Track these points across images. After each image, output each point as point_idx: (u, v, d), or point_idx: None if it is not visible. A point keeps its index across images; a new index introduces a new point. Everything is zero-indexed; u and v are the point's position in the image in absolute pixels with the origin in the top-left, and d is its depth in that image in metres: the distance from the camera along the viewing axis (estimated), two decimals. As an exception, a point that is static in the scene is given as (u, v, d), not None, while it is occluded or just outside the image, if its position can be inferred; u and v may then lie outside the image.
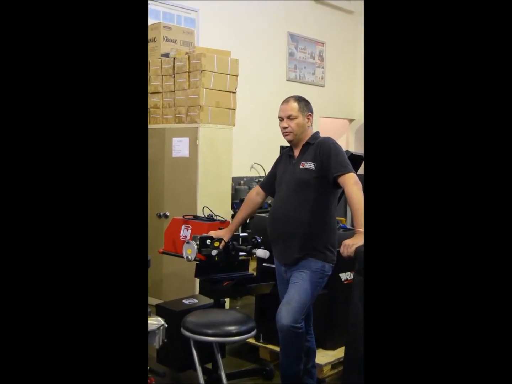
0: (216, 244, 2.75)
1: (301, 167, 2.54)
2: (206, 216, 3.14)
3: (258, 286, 2.99)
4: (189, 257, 2.77)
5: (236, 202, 4.93)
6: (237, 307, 4.34)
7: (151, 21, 4.82)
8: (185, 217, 3.13)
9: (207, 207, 3.18)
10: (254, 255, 2.83)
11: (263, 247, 2.86)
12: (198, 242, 2.74)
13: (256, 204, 2.86)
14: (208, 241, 2.75)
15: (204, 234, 2.83)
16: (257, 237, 2.91)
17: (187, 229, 3.04)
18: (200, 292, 2.89)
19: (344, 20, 7.45)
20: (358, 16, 7.37)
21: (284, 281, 2.63)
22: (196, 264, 2.86)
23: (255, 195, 2.86)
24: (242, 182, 5.56)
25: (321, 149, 2.50)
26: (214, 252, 2.72)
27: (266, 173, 5.85)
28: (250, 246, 2.88)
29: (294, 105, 2.57)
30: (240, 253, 2.92)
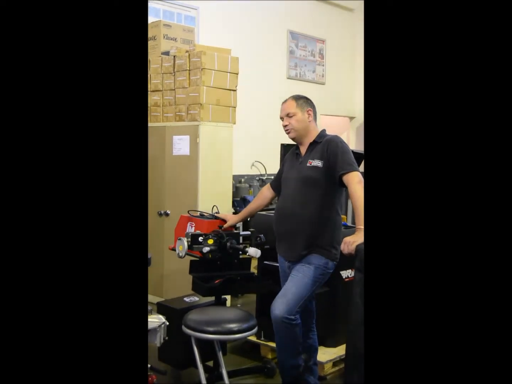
0: (210, 241, 2.74)
1: (308, 164, 2.55)
2: (213, 213, 3.14)
3: (253, 284, 2.99)
4: (180, 254, 2.79)
5: (237, 200, 4.92)
6: (239, 305, 4.34)
7: (151, 19, 4.82)
8: (189, 212, 3.13)
9: (216, 206, 3.20)
10: (247, 254, 2.84)
11: (268, 246, 2.85)
12: (189, 239, 2.74)
13: (266, 199, 2.91)
14: (200, 238, 2.75)
15: (198, 231, 2.83)
16: (261, 236, 2.91)
17: (192, 226, 3.05)
18: (192, 289, 2.89)
19: (344, 18, 7.45)
20: (358, 14, 7.38)
21: (287, 277, 2.63)
22: (190, 261, 2.87)
23: (266, 190, 2.94)
24: (242, 180, 5.56)
25: (329, 147, 2.52)
26: (205, 250, 2.72)
27: (267, 171, 5.89)
28: (244, 245, 2.88)
29: (292, 103, 2.64)
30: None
